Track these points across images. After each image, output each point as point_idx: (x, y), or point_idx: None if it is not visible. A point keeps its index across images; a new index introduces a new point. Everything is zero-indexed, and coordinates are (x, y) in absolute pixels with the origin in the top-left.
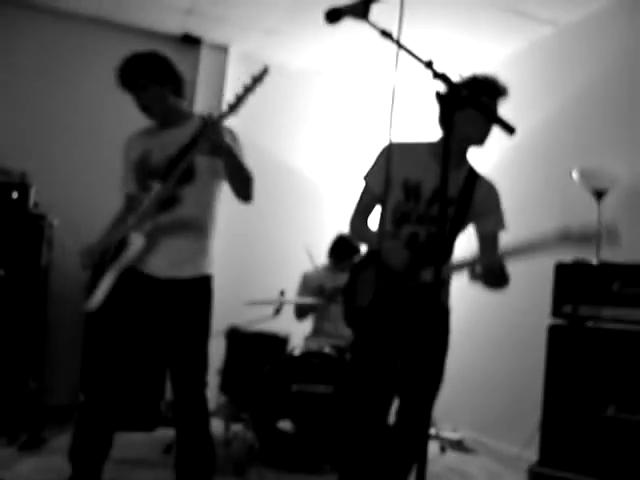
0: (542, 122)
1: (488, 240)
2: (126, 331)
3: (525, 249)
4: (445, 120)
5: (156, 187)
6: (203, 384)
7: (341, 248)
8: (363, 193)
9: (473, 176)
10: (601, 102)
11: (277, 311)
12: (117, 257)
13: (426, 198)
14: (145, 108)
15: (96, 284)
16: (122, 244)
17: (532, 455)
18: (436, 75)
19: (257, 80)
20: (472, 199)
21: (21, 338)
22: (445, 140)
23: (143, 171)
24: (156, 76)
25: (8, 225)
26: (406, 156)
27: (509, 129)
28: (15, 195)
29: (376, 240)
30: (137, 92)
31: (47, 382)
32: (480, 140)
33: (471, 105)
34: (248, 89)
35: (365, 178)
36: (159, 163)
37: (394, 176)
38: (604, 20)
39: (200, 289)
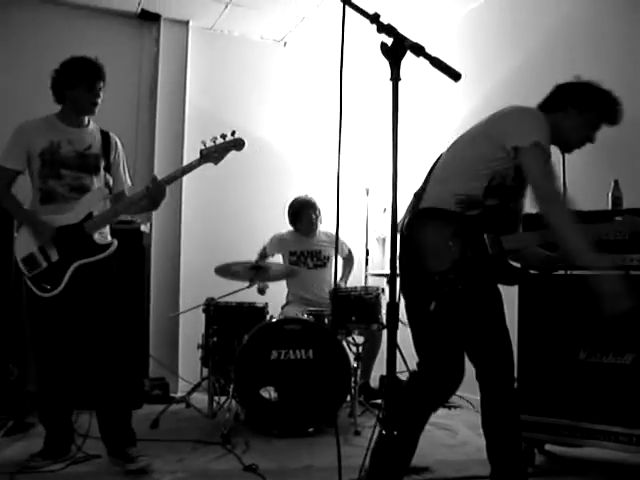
0: (507, 75)
1: None
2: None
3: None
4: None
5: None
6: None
7: (295, 213)
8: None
9: None
10: (562, 50)
11: (252, 281)
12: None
13: None
14: (95, 105)
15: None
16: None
17: None
18: (381, 28)
19: (224, 147)
20: None
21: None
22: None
23: (53, 160)
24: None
25: None
26: None
27: (454, 75)
28: None
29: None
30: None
31: (28, 368)
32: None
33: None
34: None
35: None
36: (68, 155)
37: None
38: None
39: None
